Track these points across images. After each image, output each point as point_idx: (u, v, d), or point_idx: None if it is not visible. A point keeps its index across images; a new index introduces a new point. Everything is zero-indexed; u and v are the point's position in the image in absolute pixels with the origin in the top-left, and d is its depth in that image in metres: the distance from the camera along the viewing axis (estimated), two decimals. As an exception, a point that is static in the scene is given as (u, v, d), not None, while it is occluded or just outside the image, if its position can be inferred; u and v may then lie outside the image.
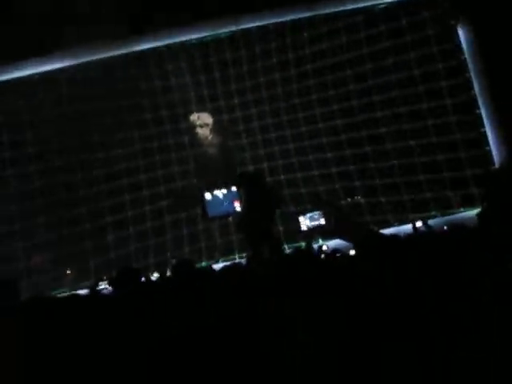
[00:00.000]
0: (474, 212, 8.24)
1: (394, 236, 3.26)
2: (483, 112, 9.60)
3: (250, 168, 10.53)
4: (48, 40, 9.31)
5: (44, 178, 10.22)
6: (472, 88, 9.64)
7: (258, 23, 10.42)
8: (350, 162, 10.37)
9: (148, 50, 10.54)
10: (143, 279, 5.38)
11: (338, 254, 4.75)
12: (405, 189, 9.92)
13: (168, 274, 7.59)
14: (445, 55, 9.86)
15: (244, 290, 2.54)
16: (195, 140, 10.98)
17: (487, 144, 9.70)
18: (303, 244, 8.01)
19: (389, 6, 10.18)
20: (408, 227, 8.57)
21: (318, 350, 1.89)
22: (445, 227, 7.12)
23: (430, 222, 8.62)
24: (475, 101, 9.71)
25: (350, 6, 10.20)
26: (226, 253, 10.13)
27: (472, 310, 1.95)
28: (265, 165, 10.59)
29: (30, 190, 10.13)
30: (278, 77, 10.73)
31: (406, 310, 2.02)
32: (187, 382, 1.94)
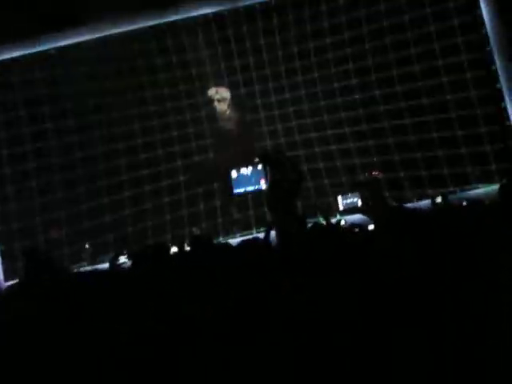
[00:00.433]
0: (492, 188, 8.29)
1: (415, 210, 3.26)
2: (504, 86, 9.51)
3: (268, 143, 10.60)
4: (65, 14, 9.34)
5: (61, 154, 10.50)
6: (493, 63, 9.54)
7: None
8: (368, 137, 10.41)
9: (165, 23, 10.65)
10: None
11: (356, 229, 4.80)
12: (423, 164, 9.82)
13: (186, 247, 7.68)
14: (465, 28, 9.74)
15: (260, 266, 2.59)
16: (213, 114, 11.08)
17: (508, 119, 9.64)
18: (321, 219, 8.09)
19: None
20: (427, 203, 8.61)
21: (330, 330, 1.91)
22: (464, 203, 7.13)
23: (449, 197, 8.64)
24: (496, 75, 9.61)
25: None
26: (244, 228, 10.21)
27: (491, 287, 1.96)
28: (282, 140, 10.68)
29: (48, 166, 10.42)
30: (296, 50, 10.77)
31: (424, 287, 2.01)
32: (201, 361, 1.96)
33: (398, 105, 10.25)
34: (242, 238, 6.48)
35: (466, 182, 9.72)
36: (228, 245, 3.76)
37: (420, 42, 10.09)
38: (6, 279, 9.78)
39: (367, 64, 10.45)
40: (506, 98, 9.67)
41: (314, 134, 10.61)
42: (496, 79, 9.80)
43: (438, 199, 8.37)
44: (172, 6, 10.36)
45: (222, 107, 11.05)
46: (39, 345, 2.02)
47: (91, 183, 10.43)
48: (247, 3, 10.67)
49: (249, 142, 10.90)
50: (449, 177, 9.79)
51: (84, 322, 2.09)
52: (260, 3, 10.69)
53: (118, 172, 10.52)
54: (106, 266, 8.73)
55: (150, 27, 10.67)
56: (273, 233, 6.57)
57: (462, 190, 9.55)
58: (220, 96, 10.99)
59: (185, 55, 10.88)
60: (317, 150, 10.59)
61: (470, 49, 9.89)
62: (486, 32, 9.80)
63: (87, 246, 9.98)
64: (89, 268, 9.01)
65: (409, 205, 9.07)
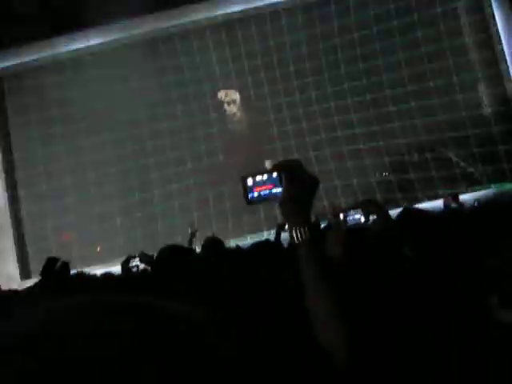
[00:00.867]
0: (504, 187, 8.40)
1: (425, 212, 3.35)
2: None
3: (278, 145, 10.75)
4: (76, 18, 9.58)
5: (72, 157, 10.79)
6: (504, 61, 9.68)
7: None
8: (379, 137, 10.55)
9: (175, 27, 10.93)
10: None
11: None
12: (434, 165, 9.95)
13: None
14: (476, 27, 9.89)
15: (272, 267, 2.67)
16: (223, 117, 11.28)
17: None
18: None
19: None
20: (438, 203, 8.67)
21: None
22: (475, 203, 7.23)
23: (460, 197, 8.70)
24: (508, 74, 9.75)
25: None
26: (254, 230, 10.33)
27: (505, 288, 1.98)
28: (292, 142, 10.85)
29: (59, 169, 10.71)
30: (306, 51, 10.96)
31: (431, 288, 2.03)
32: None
33: (409, 105, 10.34)
34: (253, 241, 6.64)
35: (477, 182, 9.81)
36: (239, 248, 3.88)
37: (430, 42, 10.21)
38: (22, 279, 10.00)
39: (378, 64, 10.67)
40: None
41: (324, 135, 10.78)
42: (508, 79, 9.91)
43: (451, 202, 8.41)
44: (180, 10, 10.50)
45: (232, 109, 11.22)
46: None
47: (102, 187, 10.70)
48: (257, 5, 10.84)
49: (259, 143, 11.00)
50: (460, 177, 9.87)
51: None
52: (269, 5, 10.82)
53: (128, 175, 10.77)
54: (117, 268, 8.94)
55: (159, 30, 10.89)
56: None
57: (474, 191, 9.64)
58: (230, 98, 11.21)
59: (194, 57, 11.10)
60: (327, 151, 10.75)
61: (481, 47, 10.01)
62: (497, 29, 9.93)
63: (99, 248, 10.18)
64: (101, 270, 9.19)
65: (420, 206, 9.20)
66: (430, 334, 1.84)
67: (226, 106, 11.20)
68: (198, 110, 11.05)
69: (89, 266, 9.72)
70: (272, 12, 11.01)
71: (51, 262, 6.13)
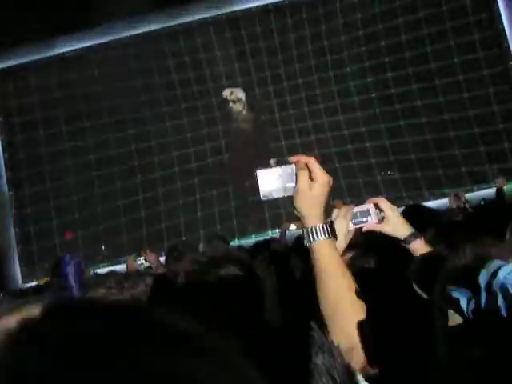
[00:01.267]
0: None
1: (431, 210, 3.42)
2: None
3: (283, 143, 11.01)
4: (78, 17, 9.77)
5: (76, 157, 11.01)
6: (510, 59, 9.84)
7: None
8: (385, 136, 10.77)
9: (179, 25, 11.12)
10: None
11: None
12: (440, 163, 10.10)
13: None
14: (482, 25, 10.05)
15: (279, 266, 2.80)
16: (227, 115, 11.47)
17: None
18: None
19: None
20: (444, 202, 8.78)
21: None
22: (481, 202, 7.36)
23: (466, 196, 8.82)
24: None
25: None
26: (259, 229, 10.49)
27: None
28: (297, 140, 11.06)
29: (63, 169, 10.97)
30: (310, 49, 11.16)
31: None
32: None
33: (415, 102, 10.50)
34: (257, 239, 6.78)
35: (484, 180, 9.92)
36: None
37: (436, 40, 10.38)
38: (24, 281, 10.15)
39: (383, 62, 10.85)
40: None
41: (329, 134, 10.97)
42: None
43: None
44: (183, 8, 10.69)
45: (238, 108, 11.40)
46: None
47: (106, 185, 10.93)
48: (260, 3, 11.05)
49: (264, 142, 11.21)
50: (466, 175, 10.00)
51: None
52: (273, 3, 11.05)
53: (132, 174, 11.03)
54: (122, 266, 9.13)
55: (163, 28, 11.13)
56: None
57: (480, 189, 9.75)
58: (235, 97, 11.37)
59: (198, 56, 11.34)
60: (333, 149, 10.93)
61: (487, 46, 10.17)
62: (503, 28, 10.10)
63: (103, 247, 10.38)
64: (106, 269, 9.37)
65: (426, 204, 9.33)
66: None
67: (231, 104, 11.37)
68: (203, 109, 11.26)
69: (93, 264, 9.97)
70: (277, 9, 11.20)
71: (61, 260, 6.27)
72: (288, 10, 11.19)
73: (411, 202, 9.45)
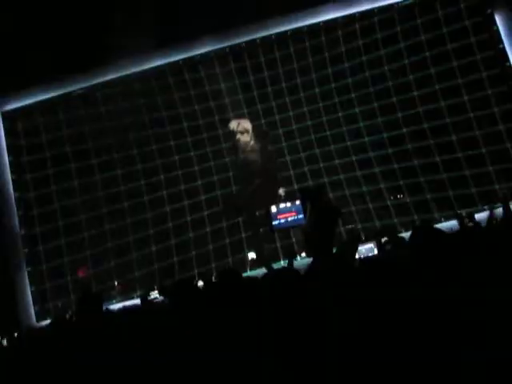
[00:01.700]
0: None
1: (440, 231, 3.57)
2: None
3: (291, 172, 11.33)
4: (84, 57, 10.20)
5: (85, 193, 11.34)
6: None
7: (290, 26, 11.25)
8: (393, 160, 11.02)
9: (183, 59, 11.50)
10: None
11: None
12: (450, 184, 10.35)
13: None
14: (483, 45, 10.37)
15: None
16: (235, 146, 11.75)
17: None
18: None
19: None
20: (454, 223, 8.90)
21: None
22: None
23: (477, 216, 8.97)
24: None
25: (385, 2, 10.84)
26: (272, 260, 10.66)
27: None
28: (305, 169, 11.37)
29: (73, 206, 11.28)
30: (315, 77, 11.54)
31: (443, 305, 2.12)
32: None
33: (422, 125, 10.85)
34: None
35: (493, 200, 10.07)
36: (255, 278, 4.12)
37: (439, 62, 10.69)
38: (38, 320, 10.35)
39: (388, 86, 11.20)
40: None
41: (338, 161, 11.27)
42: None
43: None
44: (187, 43, 11.09)
45: (245, 139, 11.70)
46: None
47: (116, 221, 11.23)
48: (264, 34, 11.42)
49: (273, 171, 11.52)
50: (476, 195, 10.18)
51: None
52: (276, 34, 11.44)
53: (141, 209, 11.30)
54: (134, 302, 9.40)
55: (167, 64, 11.52)
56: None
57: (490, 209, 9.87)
58: (242, 128, 11.66)
59: (203, 88, 11.71)
60: (342, 176, 11.22)
61: (489, 66, 10.47)
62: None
63: (116, 283, 10.63)
64: (119, 305, 9.59)
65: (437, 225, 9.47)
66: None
67: (239, 135, 11.63)
68: (210, 141, 11.61)
69: (107, 300, 10.20)
70: (279, 39, 11.57)
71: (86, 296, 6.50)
72: (291, 39, 11.55)
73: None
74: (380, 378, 1.92)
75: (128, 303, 9.64)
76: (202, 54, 11.53)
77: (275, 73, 11.64)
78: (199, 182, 11.42)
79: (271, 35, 11.46)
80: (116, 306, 9.16)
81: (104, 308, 8.55)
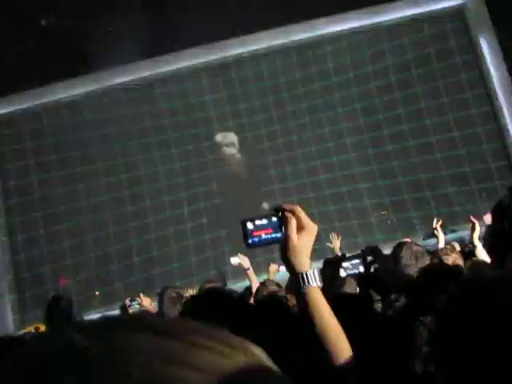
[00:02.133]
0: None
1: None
2: (508, 121, 10.53)
3: (276, 186, 11.62)
4: (72, 65, 10.50)
5: (68, 202, 11.57)
6: (496, 98, 10.56)
7: (278, 41, 11.60)
8: (378, 177, 11.46)
9: (170, 71, 11.81)
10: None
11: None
12: (433, 202, 10.71)
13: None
14: (467, 66, 10.78)
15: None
16: (220, 159, 12.15)
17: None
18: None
19: (412, 18, 11.31)
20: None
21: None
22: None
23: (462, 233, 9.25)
24: (499, 111, 10.65)
25: (373, 20, 11.25)
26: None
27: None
28: (290, 183, 11.72)
29: (55, 214, 11.49)
30: (302, 91, 11.91)
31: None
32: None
33: (408, 143, 11.22)
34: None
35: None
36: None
37: (426, 82, 11.11)
38: (18, 328, 10.54)
39: (374, 103, 11.59)
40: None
41: (323, 176, 11.61)
42: (500, 115, 10.83)
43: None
44: (176, 54, 11.41)
45: (231, 151, 12.06)
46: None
47: (99, 231, 11.47)
48: (250, 49, 11.76)
49: (257, 185, 11.89)
50: (460, 214, 10.48)
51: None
52: (264, 48, 11.78)
53: (124, 219, 11.56)
54: (113, 313, 9.60)
55: (154, 74, 11.83)
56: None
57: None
58: (228, 140, 12.02)
59: (189, 100, 12.05)
60: (326, 192, 11.54)
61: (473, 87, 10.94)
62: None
63: (97, 293, 10.84)
64: (97, 315, 9.78)
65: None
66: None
67: (224, 148, 11.98)
68: (195, 153, 11.92)
69: (87, 310, 10.41)
70: (267, 54, 11.91)
71: (56, 300, 6.70)
72: (278, 54, 11.92)
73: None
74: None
75: (108, 313, 9.88)
76: (188, 66, 11.80)
77: (262, 86, 11.97)
78: (183, 194, 11.70)
79: (259, 49, 11.76)
80: (95, 316, 9.34)
81: (84, 318, 8.79)
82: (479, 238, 6.87)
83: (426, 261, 4.96)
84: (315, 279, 1.70)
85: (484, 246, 6.39)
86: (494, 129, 10.98)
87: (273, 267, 8.30)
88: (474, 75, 11.11)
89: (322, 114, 11.79)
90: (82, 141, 11.64)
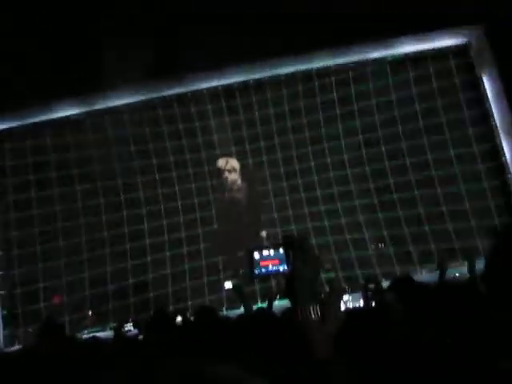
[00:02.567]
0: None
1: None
2: (508, 158, 10.85)
3: (275, 215, 11.89)
4: (76, 84, 10.85)
5: (65, 220, 11.87)
6: (498, 135, 10.92)
7: (284, 70, 12.02)
8: (379, 209, 11.68)
9: (173, 95, 12.22)
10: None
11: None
12: (432, 237, 11.01)
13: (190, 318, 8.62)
14: (470, 103, 11.12)
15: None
16: (220, 185, 12.42)
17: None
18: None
19: (417, 54, 11.70)
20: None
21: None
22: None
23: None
24: (501, 149, 10.97)
25: (377, 54, 11.66)
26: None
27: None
28: (290, 212, 11.92)
29: (52, 231, 11.80)
30: (305, 121, 12.22)
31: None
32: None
33: (408, 177, 11.53)
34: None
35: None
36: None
37: (428, 116, 11.47)
38: (6, 345, 10.72)
39: (377, 135, 11.90)
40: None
41: (323, 207, 11.85)
42: (502, 153, 11.18)
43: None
44: (179, 78, 11.88)
45: (233, 177, 12.32)
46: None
47: (94, 251, 11.74)
48: (257, 77, 12.17)
49: (257, 213, 12.14)
50: (459, 250, 10.75)
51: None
52: (270, 76, 12.19)
53: (121, 241, 11.82)
54: (105, 333, 9.83)
55: (158, 97, 12.21)
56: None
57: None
58: (230, 166, 12.30)
59: (193, 124, 12.39)
60: (326, 223, 11.76)
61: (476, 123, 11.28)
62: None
63: (90, 313, 11.04)
64: (89, 336, 9.98)
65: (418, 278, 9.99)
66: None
67: (226, 173, 12.26)
68: (195, 177, 12.21)
69: (79, 330, 10.63)
70: (272, 82, 12.28)
71: (49, 322, 6.92)
72: (283, 83, 12.26)
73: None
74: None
75: (99, 334, 10.07)
76: (193, 91, 12.21)
77: (266, 114, 12.29)
78: (181, 219, 11.95)
79: (264, 78, 12.18)
80: (87, 336, 9.52)
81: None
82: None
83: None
84: (314, 315, 1.79)
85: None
86: (494, 166, 11.31)
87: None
88: (477, 112, 11.49)
89: (325, 144, 12.03)
90: (82, 159, 11.97)
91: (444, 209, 11.20)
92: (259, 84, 12.30)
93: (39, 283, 11.46)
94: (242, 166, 12.37)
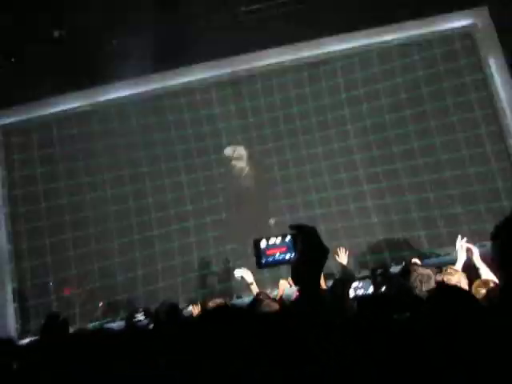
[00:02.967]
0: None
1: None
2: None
3: (282, 202, 12.13)
4: (80, 77, 11.10)
5: (74, 212, 12.12)
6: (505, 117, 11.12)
7: (289, 57, 12.14)
8: (388, 195, 11.85)
9: (179, 84, 12.40)
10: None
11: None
12: (442, 222, 11.25)
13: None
14: (476, 85, 11.39)
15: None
16: (227, 173, 12.65)
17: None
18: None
19: (423, 37, 11.94)
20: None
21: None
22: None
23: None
24: (507, 132, 11.18)
25: (384, 38, 11.79)
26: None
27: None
28: (298, 199, 12.15)
29: (61, 223, 12.05)
30: (311, 107, 12.41)
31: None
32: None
33: (416, 161, 11.72)
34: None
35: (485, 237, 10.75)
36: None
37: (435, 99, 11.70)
38: (20, 337, 11.03)
39: (384, 121, 12.08)
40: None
41: (332, 193, 12.07)
42: (508, 136, 11.43)
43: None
44: (186, 68, 12.08)
45: (241, 165, 12.54)
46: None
47: (103, 242, 11.99)
48: (262, 63, 12.31)
49: (265, 201, 12.37)
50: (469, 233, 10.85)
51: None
52: (275, 63, 12.33)
53: (129, 231, 12.07)
54: (114, 324, 10.10)
55: (163, 87, 12.41)
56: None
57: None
58: (238, 154, 12.51)
59: (198, 113, 12.59)
60: (334, 209, 11.97)
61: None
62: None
63: (100, 304, 11.32)
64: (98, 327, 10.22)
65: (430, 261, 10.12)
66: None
67: (234, 161, 12.48)
68: (202, 166, 12.43)
69: (90, 321, 10.90)
70: (278, 68, 12.43)
71: (52, 318, 7.14)
72: (289, 69, 12.44)
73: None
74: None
75: (110, 325, 10.33)
76: (199, 79, 12.36)
77: (272, 100, 12.48)
78: (189, 207, 12.18)
79: (269, 64, 12.29)
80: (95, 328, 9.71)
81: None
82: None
83: (432, 283, 5.45)
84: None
85: (490, 265, 6.82)
86: (502, 148, 11.49)
87: (282, 284, 8.68)
88: (483, 95, 11.67)
89: (332, 130, 12.21)
90: (89, 151, 12.21)
91: (453, 192, 11.38)
92: (264, 71, 12.39)
93: (49, 276, 11.74)
94: (249, 154, 12.57)
